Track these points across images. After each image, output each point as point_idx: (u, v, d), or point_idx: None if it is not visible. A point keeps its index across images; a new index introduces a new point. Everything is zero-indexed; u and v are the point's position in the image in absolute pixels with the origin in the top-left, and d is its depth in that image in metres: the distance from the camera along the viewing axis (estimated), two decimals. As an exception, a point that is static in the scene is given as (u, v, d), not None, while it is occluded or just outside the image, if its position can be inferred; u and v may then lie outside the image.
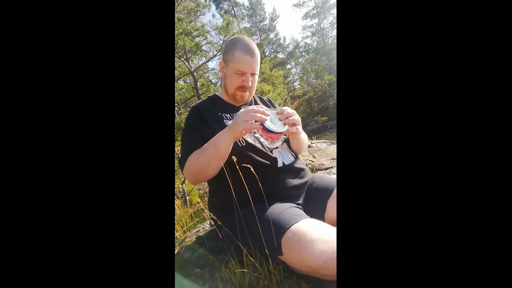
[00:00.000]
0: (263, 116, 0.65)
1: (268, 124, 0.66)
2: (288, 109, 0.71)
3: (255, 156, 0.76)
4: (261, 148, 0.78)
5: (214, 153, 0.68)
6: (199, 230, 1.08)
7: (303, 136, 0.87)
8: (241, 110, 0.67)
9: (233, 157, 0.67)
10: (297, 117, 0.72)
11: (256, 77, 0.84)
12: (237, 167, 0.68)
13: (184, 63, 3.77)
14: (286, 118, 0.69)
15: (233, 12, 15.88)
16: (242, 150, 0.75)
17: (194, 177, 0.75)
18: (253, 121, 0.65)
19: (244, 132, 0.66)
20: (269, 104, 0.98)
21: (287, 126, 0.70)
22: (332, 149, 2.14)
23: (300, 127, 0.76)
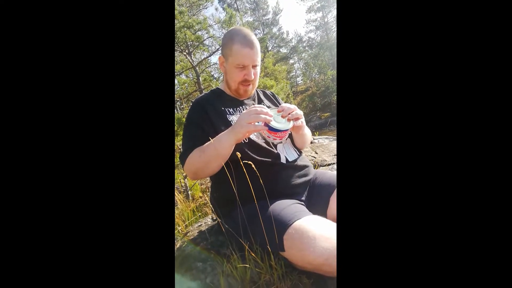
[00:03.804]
0: (267, 117, 0.63)
1: (273, 124, 0.65)
2: (288, 105, 0.71)
3: (258, 152, 0.75)
4: (264, 144, 0.77)
5: (215, 153, 0.68)
6: (201, 224, 1.08)
7: (306, 131, 0.87)
8: (244, 112, 0.66)
9: (237, 153, 0.66)
10: (299, 111, 0.71)
11: (258, 68, 0.82)
12: (240, 163, 0.67)
13: (186, 57, 3.74)
14: (289, 114, 0.68)
15: (236, 5, 15.69)
16: (245, 146, 0.74)
17: (194, 174, 0.75)
18: (257, 122, 0.64)
19: (247, 134, 0.66)
20: (272, 98, 0.97)
21: (292, 122, 0.69)
22: (335, 145, 2.13)
23: (303, 121, 0.75)
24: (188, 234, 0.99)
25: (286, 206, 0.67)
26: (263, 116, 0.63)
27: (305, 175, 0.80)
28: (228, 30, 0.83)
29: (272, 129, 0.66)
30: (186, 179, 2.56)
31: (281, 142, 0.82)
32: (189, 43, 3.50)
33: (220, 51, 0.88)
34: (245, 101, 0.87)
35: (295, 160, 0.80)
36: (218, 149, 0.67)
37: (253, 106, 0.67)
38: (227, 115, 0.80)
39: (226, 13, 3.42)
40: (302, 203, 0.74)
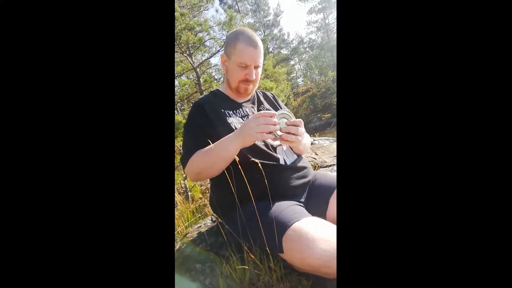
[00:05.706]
0: (275, 127, 0.65)
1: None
2: (298, 124, 0.69)
3: (257, 154, 0.75)
4: (264, 147, 0.77)
5: (219, 156, 0.69)
6: (200, 225, 1.08)
7: (305, 141, 0.86)
8: (253, 119, 0.65)
9: (236, 157, 0.66)
10: (295, 138, 0.69)
11: (260, 70, 0.83)
12: (240, 165, 0.67)
13: (187, 59, 3.75)
14: (287, 133, 0.68)
15: (236, 7, 15.73)
16: (245, 149, 0.74)
17: (196, 175, 0.75)
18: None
19: (254, 142, 0.67)
20: (272, 100, 0.97)
21: (280, 133, 0.68)
22: (335, 146, 2.13)
23: (297, 143, 0.73)
24: (187, 235, 0.99)
25: (285, 208, 0.67)
26: (272, 127, 0.64)
27: (304, 176, 0.80)
28: (234, 30, 0.84)
29: None
30: (186, 180, 2.56)
31: (280, 145, 0.82)
32: (190, 44, 3.51)
33: (221, 51, 0.88)
34: (244, 104, 0.87)
35: (294, 162, 0.80)
36: (222, 153, 0.68)
37: (262, 112, 0.66)
38: (226, 117, 0.80)
39: (227, 14, 3.44)
40: (302, 204, 0.74)
